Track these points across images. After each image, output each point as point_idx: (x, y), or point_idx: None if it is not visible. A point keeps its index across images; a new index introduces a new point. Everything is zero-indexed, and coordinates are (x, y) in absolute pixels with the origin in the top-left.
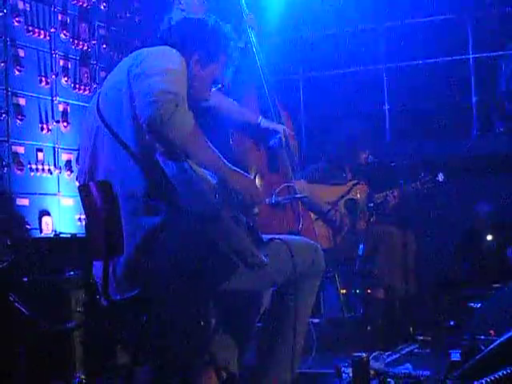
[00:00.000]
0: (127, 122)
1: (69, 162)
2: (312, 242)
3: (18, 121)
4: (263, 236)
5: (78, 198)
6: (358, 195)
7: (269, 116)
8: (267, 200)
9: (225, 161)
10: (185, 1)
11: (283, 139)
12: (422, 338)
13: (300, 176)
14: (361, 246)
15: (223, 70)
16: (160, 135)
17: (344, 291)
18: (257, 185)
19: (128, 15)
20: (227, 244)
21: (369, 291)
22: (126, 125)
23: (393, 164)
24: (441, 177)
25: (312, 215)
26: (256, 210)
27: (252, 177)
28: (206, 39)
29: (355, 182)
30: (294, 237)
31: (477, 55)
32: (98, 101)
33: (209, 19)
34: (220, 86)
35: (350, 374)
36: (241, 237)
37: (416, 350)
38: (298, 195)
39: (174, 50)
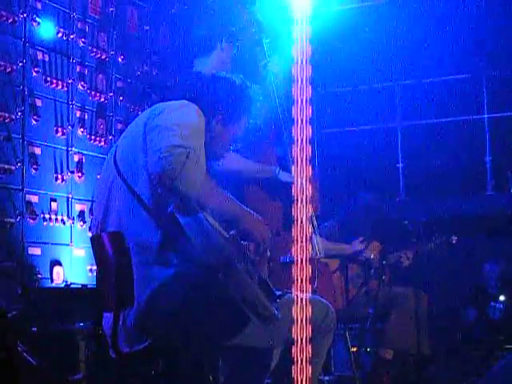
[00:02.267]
0: (141, 175)
1: (82, 212)
2: (323, 300)
3: (33, 170)
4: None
5: (90, 248)
6: (372, 254)
7: (286, 162)
8: (281, 258)
9: (236, 200)
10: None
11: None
12: None
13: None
14: (372, 305)
15: (243, 129)
16: (171, 189)
17: (354, 349)
18: (264, 224)
19: (145, 68)
20: (240, 296)
21: (379, 350)
22: (140, 177)
23: (406, 222)
24: (454, 239)
25: (331, 267)
26: (268, 253)
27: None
28: (231, 99)
29: (369, 241)
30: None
31: (491, 115)
32: (115, 152)
33: (237, 79)
34: (239, 145)
35: None
36: (253, 289)
37: None
38: (314, 255)
39: (192, 105)
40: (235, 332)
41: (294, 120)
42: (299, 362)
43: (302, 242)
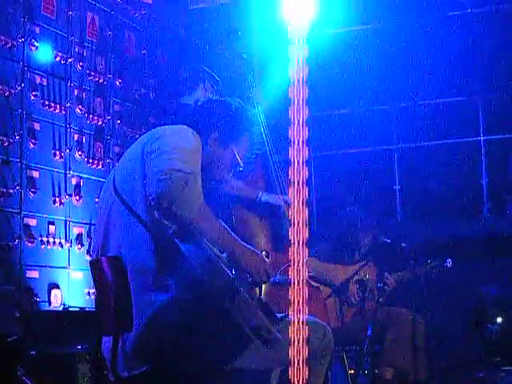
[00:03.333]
0: (140, 199)
1: (80, 235)
2: (320, 321)
3: (31, 193)
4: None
5: (88, 271)
6: (367, 276)
7: (274, 191)
8: (272, 278)
9: (235, 236)
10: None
11: (286, 212)
12: None
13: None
14: (370, 327)
15: (244, 152)
16: (168, 213)
17: (352, 371)
18: (266, 262)
19: (143, 91)
20: (242, 319)
21: (377, 372)
22: (139, 201)
23: (403, 245)
24: (449, 262)
25: (324, 293)
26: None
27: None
28: (228, 120)
29: (364, 262)
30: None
31: (488, 137)
32: (115, 176)
33: (233, 101)
34: (241, 168)
35: None
36: (255, 312)
37: None
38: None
39: (190, 129)
40: (236, 355)
41: (290, 141)
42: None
43: (298, 265)
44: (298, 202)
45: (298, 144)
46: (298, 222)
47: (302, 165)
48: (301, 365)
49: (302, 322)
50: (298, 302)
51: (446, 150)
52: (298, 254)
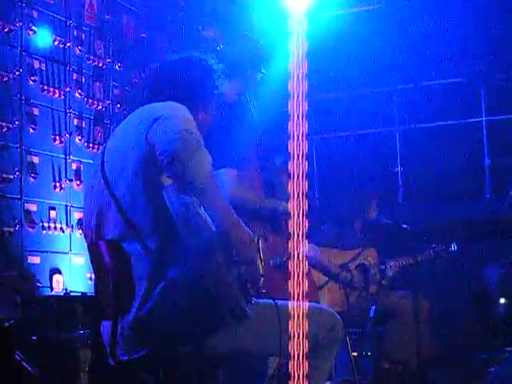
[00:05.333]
0: (132, 180)
1: (81, 220)
2: (330, 310)
3: (31, 179)
4: (282, 301)
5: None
6: (369, 259)
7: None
8: (271, 262)
9: (232, 210)
10: None
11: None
12: None
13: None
14: (372, 308)
15: (217, 105)
16: (181, 171)
17: (355, 354)
18: (255, 248)
19: (143, 75)
20: (216, 290)
21: (378, 358)
22: (128, 183)
23: (405, 227)
24: (454, 246)
25: (318, 278)
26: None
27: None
28: (191, 77)
29: (364, 246)
30: (311, 303)
31: (489, 118)
32: (103, 159)
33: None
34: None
35: None
36: (230, 283)
37: None
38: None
39: (181, 105)
40: (214, 336)
41: (290, 135)
42: (296, 377)
43: (297, 257)
44: (298, 194)
45: (298, 138)
46: (298, 215)
47: (301, 158)
48: (301, 359)
49: (302, 316)
50: (298, 295)
51: (447, 131)
52: (298, 246)
